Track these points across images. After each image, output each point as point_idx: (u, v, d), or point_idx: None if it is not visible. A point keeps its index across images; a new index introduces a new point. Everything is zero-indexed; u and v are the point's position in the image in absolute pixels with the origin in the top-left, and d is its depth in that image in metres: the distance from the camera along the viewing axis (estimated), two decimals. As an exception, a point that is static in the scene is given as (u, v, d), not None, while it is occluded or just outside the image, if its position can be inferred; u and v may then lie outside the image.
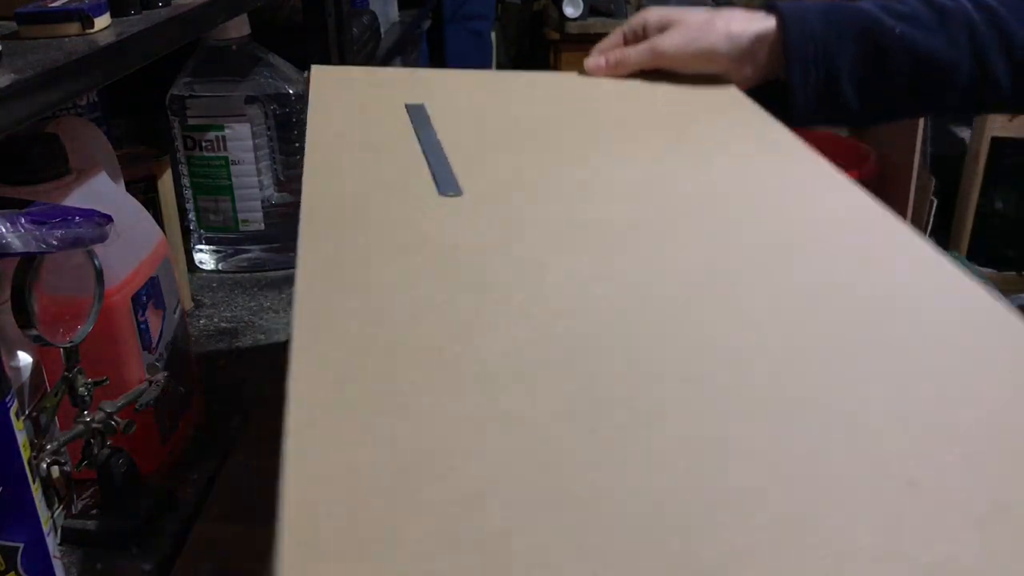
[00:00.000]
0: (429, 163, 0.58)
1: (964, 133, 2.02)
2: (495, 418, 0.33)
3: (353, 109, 0.68)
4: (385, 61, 1.31)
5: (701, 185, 0.57)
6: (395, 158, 0.58)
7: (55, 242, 0.47)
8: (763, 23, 0.70)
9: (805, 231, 0.52)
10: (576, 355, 0.38)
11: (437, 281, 0.44)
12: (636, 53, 0.74)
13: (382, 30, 1.34)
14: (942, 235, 1.99)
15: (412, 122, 0.64)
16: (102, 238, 0.51)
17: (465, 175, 0.56)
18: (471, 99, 0.72)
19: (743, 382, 0.37)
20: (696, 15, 0.74)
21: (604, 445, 0.32)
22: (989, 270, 1.91)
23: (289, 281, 0.93)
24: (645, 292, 0.44)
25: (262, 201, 0.92)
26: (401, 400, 0.34)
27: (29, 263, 0.48)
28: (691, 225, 0.52)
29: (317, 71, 0.72)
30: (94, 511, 0.58)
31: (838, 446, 0.32)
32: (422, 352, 0.37)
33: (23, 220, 0.45)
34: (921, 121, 1.93)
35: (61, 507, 0.55)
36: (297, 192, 0.94)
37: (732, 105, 0.72)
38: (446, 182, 0.55)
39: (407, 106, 0.67)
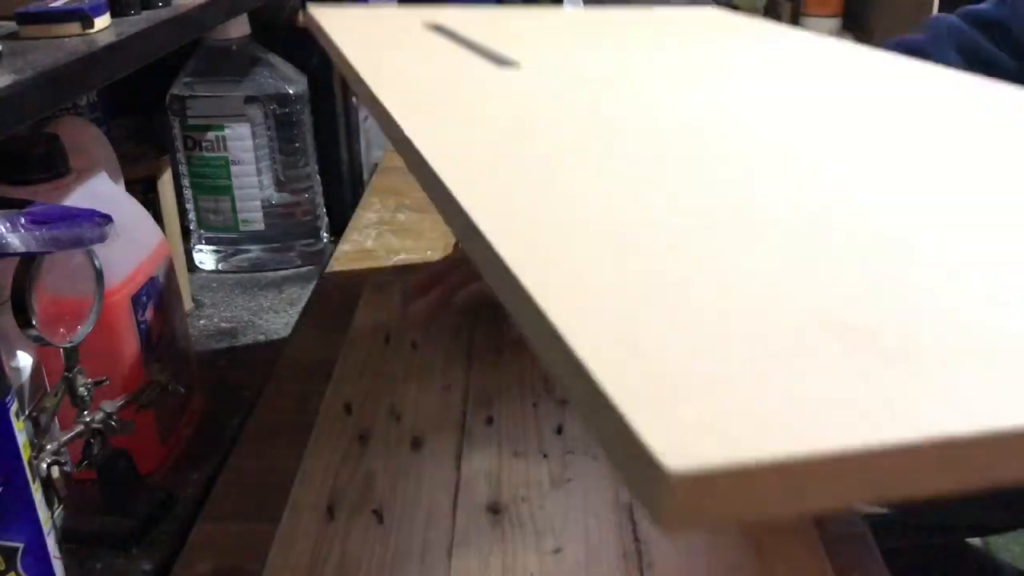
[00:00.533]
0: (475, 51, 0.56)
1: (964, 133, 2.02)
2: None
3: (372, 28, 0.66)
4: (385, 61, 1.32)
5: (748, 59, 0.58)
6: (438, 54, 0.56)
7: (55, 242, 0.47)
8: None
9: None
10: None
11: (564, 129, 0.42)
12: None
13: (382, 30, 1.34)
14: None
15: (438, 32, 0.63)
16: (102, 238, 0.51)
17: (513, 54, 0.54)
18: (483, 20, 0.70)
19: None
20: None
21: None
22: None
23: (289, 281, 0.93)
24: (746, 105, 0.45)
25: (262, 201, 0.92)
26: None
27: (29, 263, 0.48)
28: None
29: (314, 8, 0.69)
30: (94, 511, 0.58)
31: None
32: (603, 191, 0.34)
33: (23, 220, 0.45)
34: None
35: (61, 507, 0.55)
36: (297, 192, 0.94)
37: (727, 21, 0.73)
38: (500, 59, 0.53)
39: (425, 23, 0.66)
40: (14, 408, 0.43)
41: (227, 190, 0.91)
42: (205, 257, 0.95)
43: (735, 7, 2.37)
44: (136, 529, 0.57)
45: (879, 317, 0.23)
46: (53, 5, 0.52)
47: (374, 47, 0.59)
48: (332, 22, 0.66)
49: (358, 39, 0.61)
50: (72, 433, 0.54)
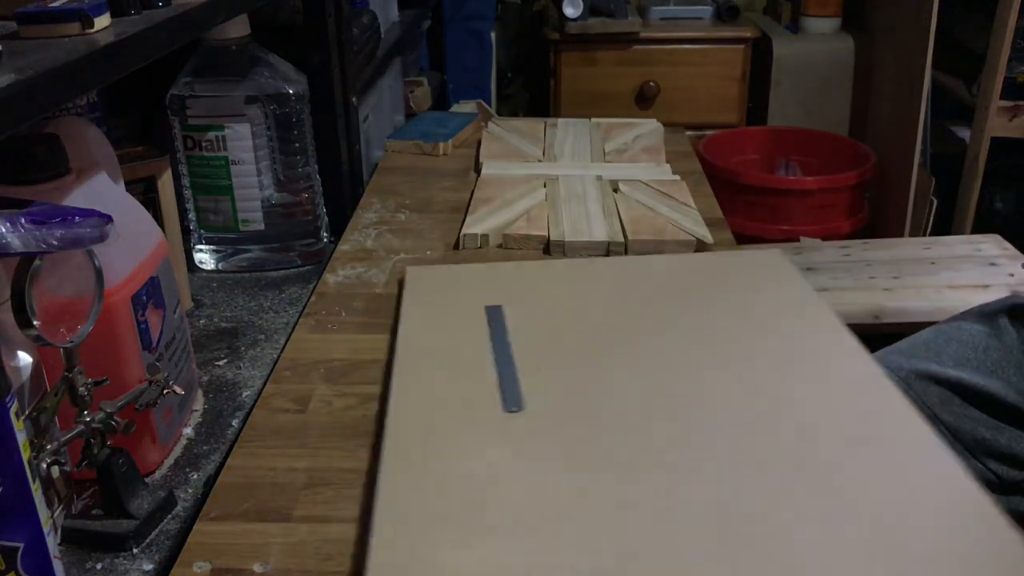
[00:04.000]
0: (499, 377, 0.67)
1: (964, 133, 2.02)
2: None
3: (438, 314, 0.78)
4: (385, 61, 1.31)
5: (742, 393, 0.65)
6: (470, 371, 0.69)
7: (55, 242, 0.47)
8: None
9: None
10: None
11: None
12: None
13: (382, 30, 1.34)
14: (942, 235, 1.99)
15: (489, 327, 0.75)
16: (102, 238, 0.51)
17: (529, 387, 0.66)
18: (543, 297, 0.81)
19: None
20: None
21: None
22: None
23: (289, 281, 0.93)
24: (668, 523, 0.52)
25: (262, 201, 0.92)
26: None
27: (29, 263, 0.48)
28: (718, 449, 0.58)
29: (412, 272, 0.85)
30: (94, 511, 0.58)
31: None
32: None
33: (23, 220, 0.45)
34: (920, 121, 1.93)
35: (61, 507, 0.55)
36: (297, 192, 0.94)
37: (783, 283, 0.81)
38: (511, 397, 0.64)
39: (487, 308, 0.77)
40: (14, 408, 0.43)
41: (227, 190, 0.91)
42: (205, 257, 0.95)
43: (735, 8, 2.37)
44: (136, 529, 0.57)
45: None
46: (53, 5, 0.52)
47: (418, 365, 0.71)
48: (410, 300, 0.80)
49: (416, 344, 0.74)
50: (72, 433, 0.54)
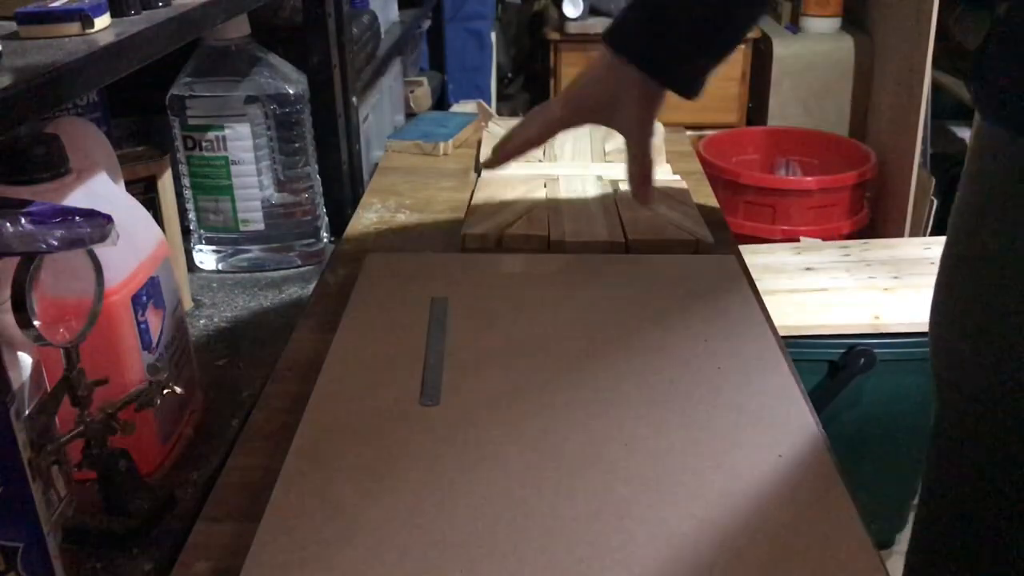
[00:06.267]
0: (424, 370, 0.69)
1: (964, 133, 2.02)
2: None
3: (386, 302, 0.80)
4: (385, 61, 1.32)
5: (654, 403, 0.66)
6: (399, 362, 0.70)
7: (55, 242, 0.47)
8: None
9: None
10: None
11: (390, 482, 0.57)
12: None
13: (382, 30, 1.34)
14: (942, 235, 1.99)
15: (430, 319, 0.76)
16: (102, 238, 0.51)
17: (452, 382, 0.67)
18: (495, 291, 0.82)
19: None
20: None
21: None
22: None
23: (289, 281, 0.93)
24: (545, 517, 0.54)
25: (262, 201, 0.92)
26: None
27: (29, 263, 0.48)
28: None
29: (371, 259, 0.87)
30: (94, 511, 0.58)
31: None
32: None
33: (23, 220, 0.45)
34: (920, 121, 1.93)
35: (61, 507, 0.55)
36: (297, 192, 0.94)
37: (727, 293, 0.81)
38: (430, 391, 0.66)
39: (432, 300, 0.79)
40: (14, 408, 0.43)
41: (227, 190, 0.91)
42: (205, 257, 0.95)
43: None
44: (136, 529, 0.57)
45: None
46: (53, 5, 0.52)
47: (354, 345, 0.73)
48: (364, 284, 0.82)
49: (359, 323, 0.76)
50: (72, 433, 0.54)
